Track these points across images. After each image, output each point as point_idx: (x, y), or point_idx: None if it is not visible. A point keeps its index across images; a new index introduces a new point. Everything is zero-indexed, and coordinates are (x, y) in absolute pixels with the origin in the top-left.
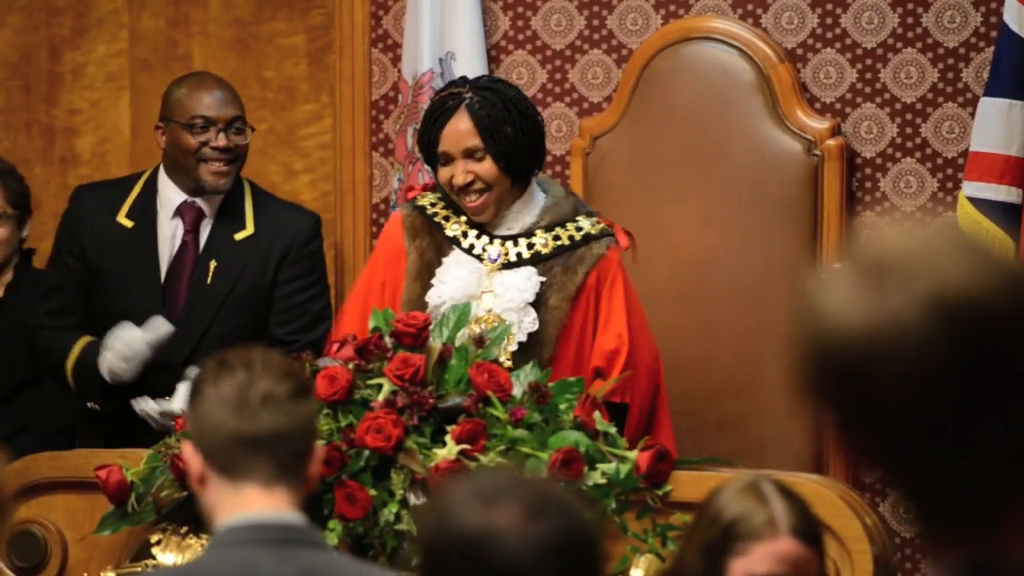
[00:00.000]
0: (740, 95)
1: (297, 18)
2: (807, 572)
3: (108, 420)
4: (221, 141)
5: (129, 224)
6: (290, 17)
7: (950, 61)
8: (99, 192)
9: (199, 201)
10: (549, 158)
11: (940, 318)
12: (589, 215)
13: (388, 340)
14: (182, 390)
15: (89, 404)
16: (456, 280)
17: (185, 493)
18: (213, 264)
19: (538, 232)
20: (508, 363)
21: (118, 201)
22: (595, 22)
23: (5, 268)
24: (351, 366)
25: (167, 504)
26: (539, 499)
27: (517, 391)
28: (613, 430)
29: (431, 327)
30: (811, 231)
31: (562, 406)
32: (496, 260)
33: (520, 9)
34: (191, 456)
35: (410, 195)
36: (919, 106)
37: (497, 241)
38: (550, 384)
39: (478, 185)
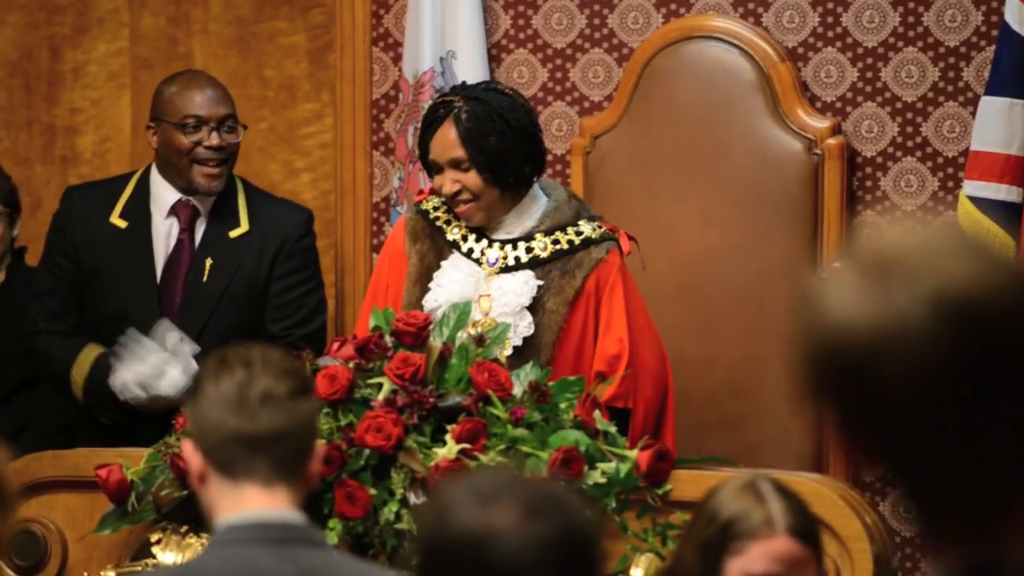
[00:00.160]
0: (741, 94)
1: (298, 17)
2: (804, 571)
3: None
4: (214, 140)
5: (123, 224)
6: (291, 16)
7: (951, 60)
8: (90, 193)
9: (193, 200)
10: (550, 157)
11: (942, 317)
12: (591, 219)
13: (388, 339)
14: (171, 371)
15: (101, 418)
16: (453, 284)
17: (185, 492)
18: (209, 262)
19: (538, 236)
20: None
21: (110, 202)
22: (596, 21)
23: None
24: (351, 365)
25: (167, 503)
26: (537, 498)
27: (517, 390)
28: (613, 429)
29: (431, 326)
30: (811, 230)
31: (562, 405)
32: (495, 264)
33: (521, 8)
34: (191, 454)
35: (417, 198)
36: (920, 105)
37: (496, 245)
38: (550, 383)
39: (465, 195)
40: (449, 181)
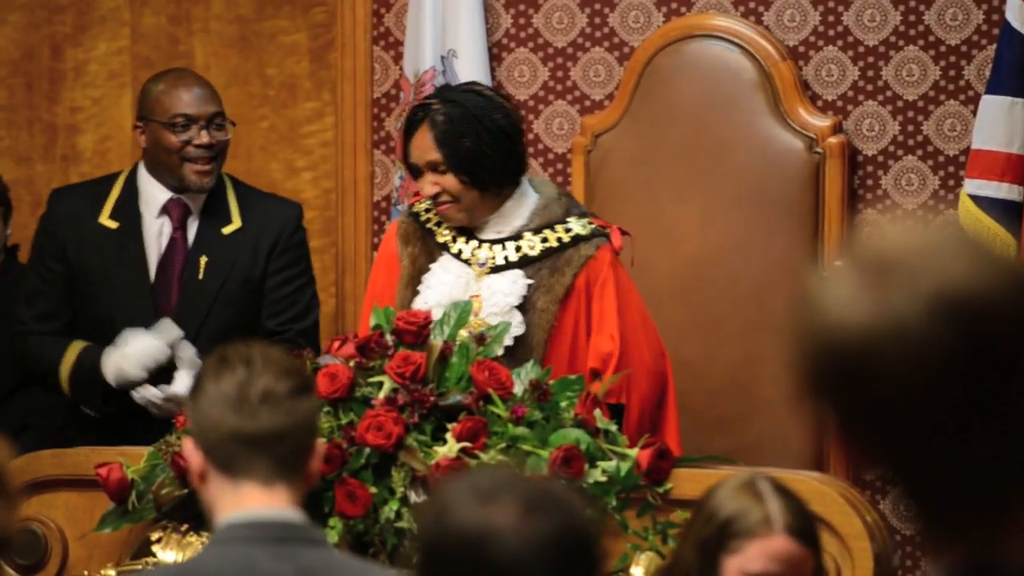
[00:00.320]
0: (742, 93)
1: (299, 15)
2: (802, 571)
3: (100, 423)
4: (203, 138)
5: (113, 225)
6: (292, 15)
7: (952, 59)
8: (76, 194)
9: (184, 198)
10: (551, 156)
11: (942, 316)
12: (581, 216)
13: (389, 338)
14: (182, 373)
15: (85, 409)
16: (442, 285)
17: (185, 491)
18: (204, 260)
19: (526, 235)
20: None
21: (97, 203)
22: (597, 20)
23: None
24: (352, 363)
25: (167, 502)
26: (537, 497)
27: (518, 389)
28: (614, 428)
29: (432, 325)
30: (812, 229)
31: (563, 404)
32: (484, 264)
33: (522, 7)
34: (192, 452)
35: (411, 200)
36: (921, 104)
37: (486, 245)
38: (550, 382)
39: (445, 197)
40: (428, 184)
